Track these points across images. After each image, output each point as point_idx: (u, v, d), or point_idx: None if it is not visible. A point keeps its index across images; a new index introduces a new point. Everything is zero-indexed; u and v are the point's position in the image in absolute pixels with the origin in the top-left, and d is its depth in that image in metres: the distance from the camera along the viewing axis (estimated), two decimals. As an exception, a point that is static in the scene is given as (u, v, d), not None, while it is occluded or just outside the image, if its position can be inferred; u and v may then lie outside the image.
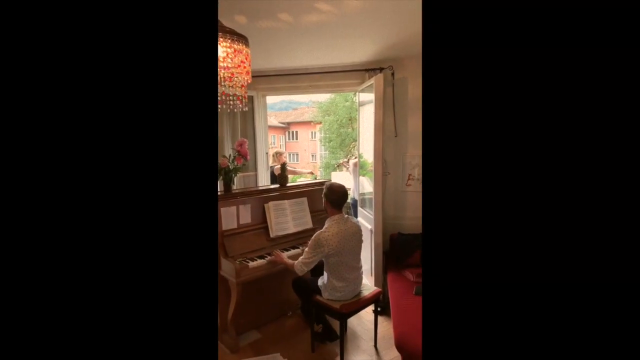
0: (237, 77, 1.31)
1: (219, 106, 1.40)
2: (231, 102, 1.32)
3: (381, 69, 2.84)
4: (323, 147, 14.23)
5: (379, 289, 2.17)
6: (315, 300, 2.08)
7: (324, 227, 2.03)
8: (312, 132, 19.07)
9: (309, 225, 2.61)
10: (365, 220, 3.05)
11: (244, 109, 1.37)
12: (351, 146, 12.40)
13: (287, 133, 20.11)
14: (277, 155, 4.06)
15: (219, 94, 1.30)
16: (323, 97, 13.13)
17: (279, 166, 2.90)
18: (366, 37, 2.43)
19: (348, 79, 3.08)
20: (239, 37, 1.27)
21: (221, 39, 1.22)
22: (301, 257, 2.01)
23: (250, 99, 3.26)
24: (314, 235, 1.99)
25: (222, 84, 1.29)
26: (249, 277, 2.10)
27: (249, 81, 1.35)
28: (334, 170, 11.56)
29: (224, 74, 1.27)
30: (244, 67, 1.30)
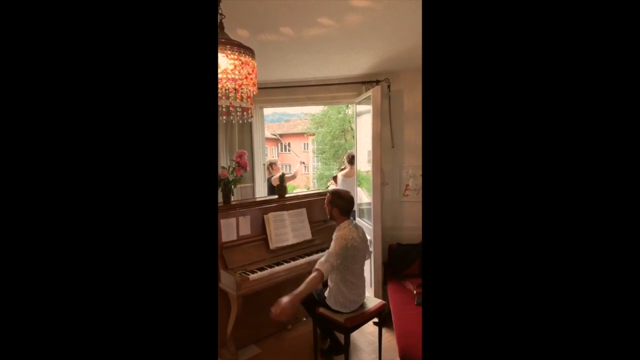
0: (243, 88, 1.32)
1: (224, 117, 1.41)
2: (238, 114, 1.32)
3: (377, 82, 2.90)
4: (316, 158, 14.29)
5: (383, 302, 2.15)
6: (319, 314, 2.05)
7: (342, 231, 1.93)
8: (304, 144, 19.15)
9: (308, 236, 2.60)
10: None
11: (249, 120, 1.38)
12: (344, 157, 12.48)
13: (279, 144, 20.15)
14: (272, 165, 3.99)
15: (226, 106, 1.30)
16: (316, 109, 13.27)
17: (277, 176, 2.89)
18: (364, 51, 2.48)
19: (345, 91, 3.12)
20: (246, 50, 1.29)
21: (228, 52, 1.24)
22: (324, 256, 1.85)
23: (242, 114, 3.28)
24: (339, 235, 1.89)
25: (229, 95, 1.30)
26: (250, 290, 2.07)
27: (255, 92, 1.37)
28: (329, 181, 11.61)
29: (231, 85, 1.28)
30: (251, 79, 1.32)
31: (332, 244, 1.92)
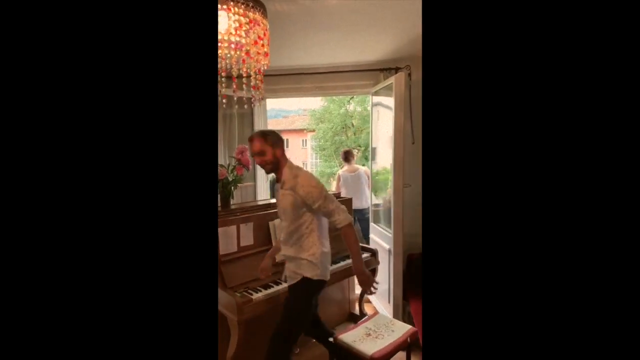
0: (252, 58, 0.95)
1: (224, 101, 1.04)
2: (243, 95, 0.96)
3: (397, 69, 2.54)
4: (316, 155, 13.96)
5: (414, 329, 1.80)
6: (338, 342, 1.70)
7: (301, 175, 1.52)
8: (303, 140, 18.82)
9: (319, 245, 2.25)
10: (380, 238, 2.70)
11: (258, 103, 1.02)
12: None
13: (277, 141, 19.81)
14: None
15: (229, 84, 0.94)
16: (316, 105, 12.90)
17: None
18: (384, 29, 2.14)
19: (359, 79, 2.77)
20: (255, 4, 0.92)
21: (231, 4, 0.87)
22: (336, 212, 1.49)
23: (248, 101, 2.92)
24: (306, 179, 1.50)
25: (232, 69, 0.93)
26: (253, 314, 1.72)
27: (267, 66, 1.00)
28: (329, 179, 11.27)
29: (234, 55, 0.91)
30: (262, 46, 0.95)
31: (313, 191, 1.46)
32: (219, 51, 0.91)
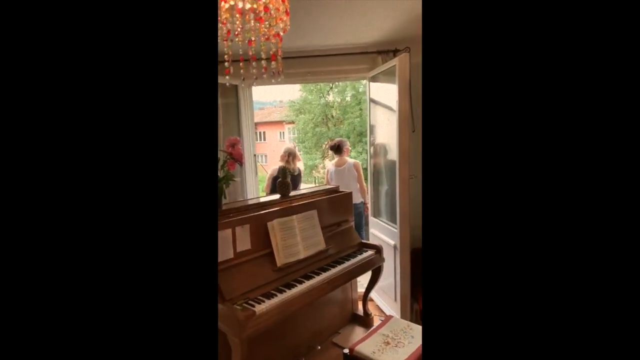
0: (263, 20, 0.73)
1: (224, 72, 0.82)
2: (263, 63, 0.73)
3: (396, 51, 2.36)
4: (296, 147, 13.71)
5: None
6: (356, 355, 1.52)
7: None
8: (280, 133, 18.45)
9: (321, 246, 2.06)
10: (383, 233, 2.54)
11: (278, 77, 0.80)
12: (325, 146, 11.92)
13: (255, 134, 19.32)
14: (291, 155, 3.17)
15: (242, 44, 0.71)
16: (294, 96, 12.62)
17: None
18: (380, 8, 1.94)
19: (354, 63, 2.56)
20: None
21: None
22: None
23: (234, 89, 2.64)
24: None
25: (245, 27, 0.70)
26: (257, 329, 1.50)
27: (287, 29, 0.78)
28: (311, 171, 11.09)
29: (249, 7, 0.68)
30: (282, 2, 0.72)
31: None
32: (226, 4, 0.67)
